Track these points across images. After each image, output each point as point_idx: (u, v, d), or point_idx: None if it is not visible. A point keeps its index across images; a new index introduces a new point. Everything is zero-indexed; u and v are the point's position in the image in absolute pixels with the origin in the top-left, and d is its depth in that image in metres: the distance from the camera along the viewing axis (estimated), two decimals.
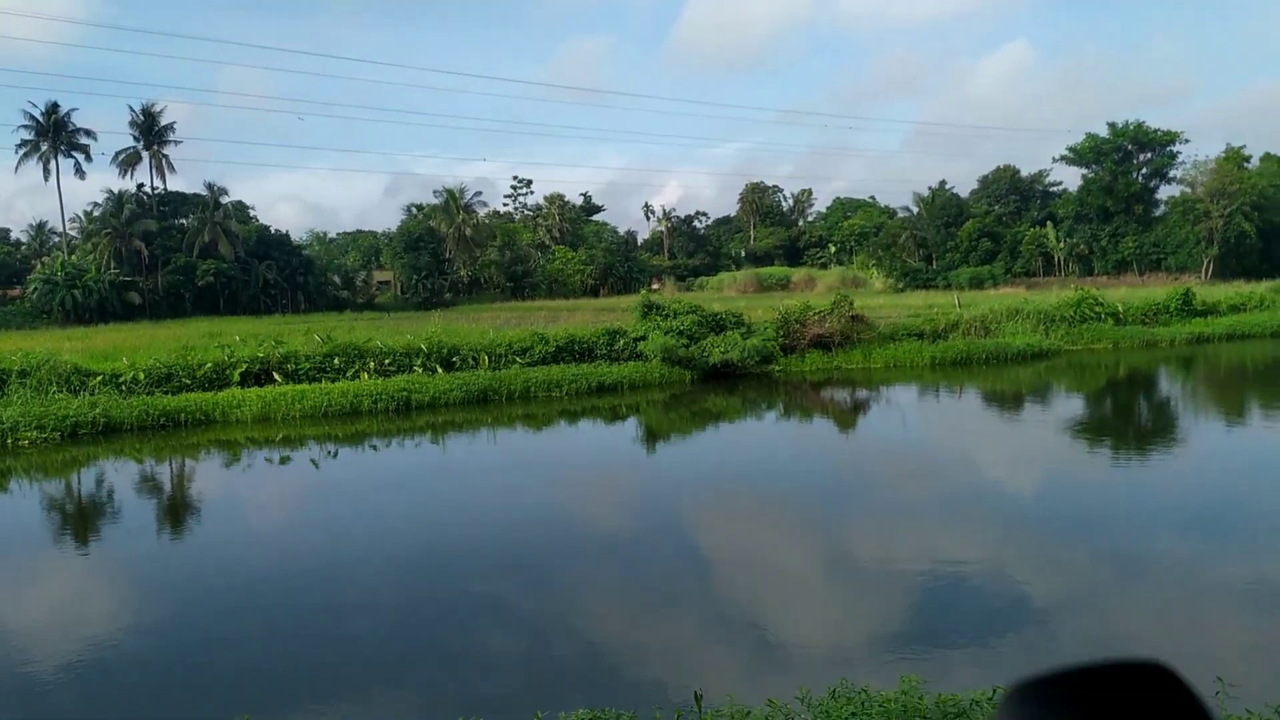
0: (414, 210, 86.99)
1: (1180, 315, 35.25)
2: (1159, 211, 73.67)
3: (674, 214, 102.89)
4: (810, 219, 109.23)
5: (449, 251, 78.80)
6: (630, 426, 20.12)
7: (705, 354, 25.79)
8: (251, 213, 77.81)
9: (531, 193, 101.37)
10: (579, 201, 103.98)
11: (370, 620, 8.27)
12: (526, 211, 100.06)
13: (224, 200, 70.99)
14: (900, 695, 4.62)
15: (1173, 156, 72.77)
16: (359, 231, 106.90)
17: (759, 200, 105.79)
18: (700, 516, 12.23)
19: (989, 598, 8.31)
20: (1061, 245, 75.29)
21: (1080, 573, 8.98)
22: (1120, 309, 34.08)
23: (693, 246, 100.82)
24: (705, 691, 5.42)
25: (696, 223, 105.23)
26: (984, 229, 79.17)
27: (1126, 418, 19.34)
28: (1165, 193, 74.00)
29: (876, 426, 18.92)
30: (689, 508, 12.68)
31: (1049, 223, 78.20)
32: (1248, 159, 71.85)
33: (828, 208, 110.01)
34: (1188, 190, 71.38)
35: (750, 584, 9.14)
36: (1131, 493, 12.32)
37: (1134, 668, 0.44)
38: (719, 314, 28.28)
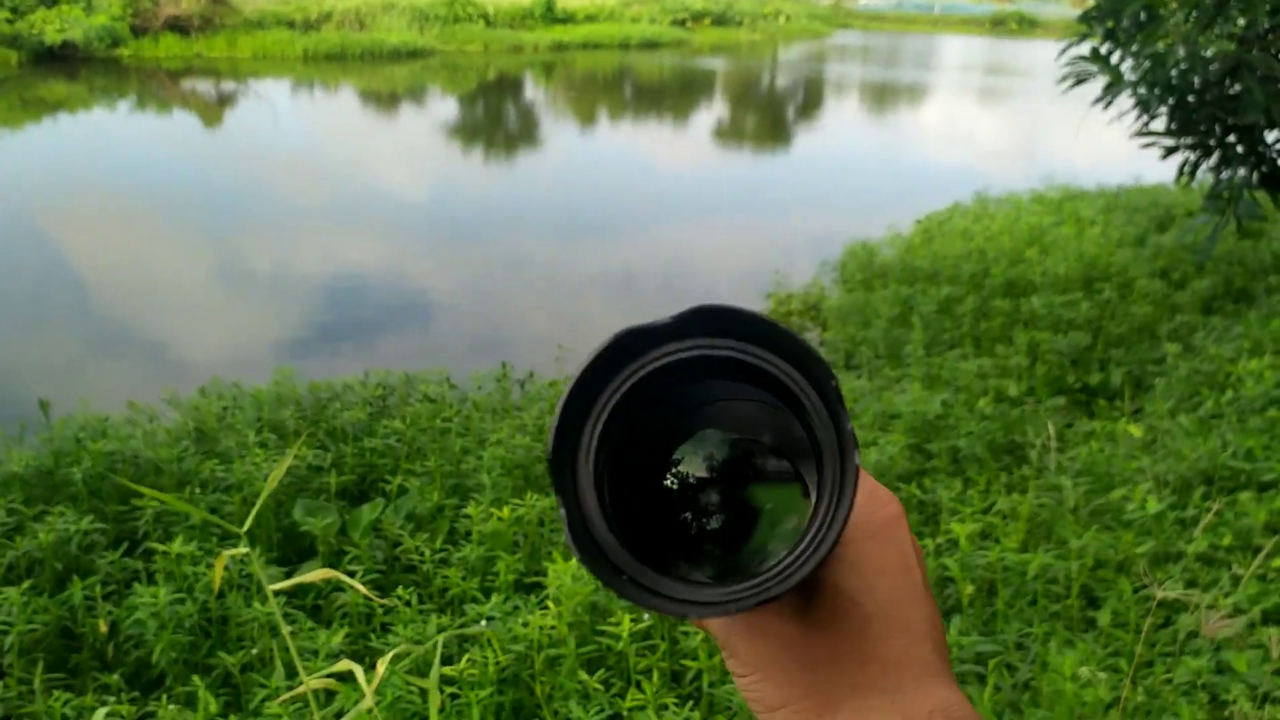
0: None
1: (544, 22, 37.09)
2: None
3: None
4: None
5: None
6: None
7: (38, 31, 21.43)
8: None
9: None
10: None
11: None
12: None
13: None
14: (274, 386, 4.67)
15: None
16: None
17: None
18: (60, 226, 10.40)
19: (386, 298, 8.37)
20: None
21: (471, 269, 9.39)
22: (491, 11, 34.84)
23: None
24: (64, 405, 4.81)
25: None
26: None
27: (498, 121, 20.17)
28: None
29: (249, 124, 17.49)
30: (39, 214, 10.73)
31: None
32: None
33: None
34: None
35: (135, 299, 8.06)
36: (507, 194, 12.95)
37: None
38: None
